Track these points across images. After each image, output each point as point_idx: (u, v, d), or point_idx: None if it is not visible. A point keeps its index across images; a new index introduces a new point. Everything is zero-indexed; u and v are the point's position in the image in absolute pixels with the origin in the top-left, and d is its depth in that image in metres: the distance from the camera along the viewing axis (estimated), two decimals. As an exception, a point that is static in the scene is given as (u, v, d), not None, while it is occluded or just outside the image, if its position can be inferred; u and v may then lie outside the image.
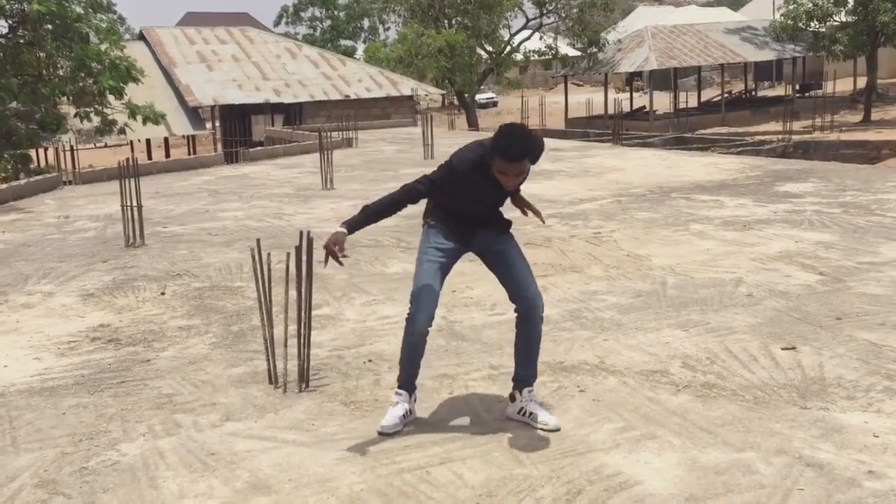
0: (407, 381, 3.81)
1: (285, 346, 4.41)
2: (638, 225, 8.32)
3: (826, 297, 5.58)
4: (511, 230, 3.84)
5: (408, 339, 3.71)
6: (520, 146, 3.42)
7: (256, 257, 4.38)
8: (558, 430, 3.69)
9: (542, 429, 3.70)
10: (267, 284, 4.36)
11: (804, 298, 5.58)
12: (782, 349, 4.62)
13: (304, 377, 4.35)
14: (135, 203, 8.35)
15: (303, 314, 4.30)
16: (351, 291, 6.28)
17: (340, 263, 3.59)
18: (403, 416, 3.77)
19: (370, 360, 4.75)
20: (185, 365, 4.82)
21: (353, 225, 3.59)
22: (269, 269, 4.36)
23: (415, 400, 3.87)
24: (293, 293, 4.40)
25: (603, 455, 3.47)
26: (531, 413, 3.75)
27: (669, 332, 5.00)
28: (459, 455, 3.53)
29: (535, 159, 3.46)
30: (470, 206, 3.75)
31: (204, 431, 3.89)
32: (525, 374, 3.81)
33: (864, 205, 8.86)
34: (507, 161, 3.42)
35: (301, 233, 4.36)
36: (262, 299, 4.40)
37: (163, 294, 6.44)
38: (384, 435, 3.71)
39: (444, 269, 3.72)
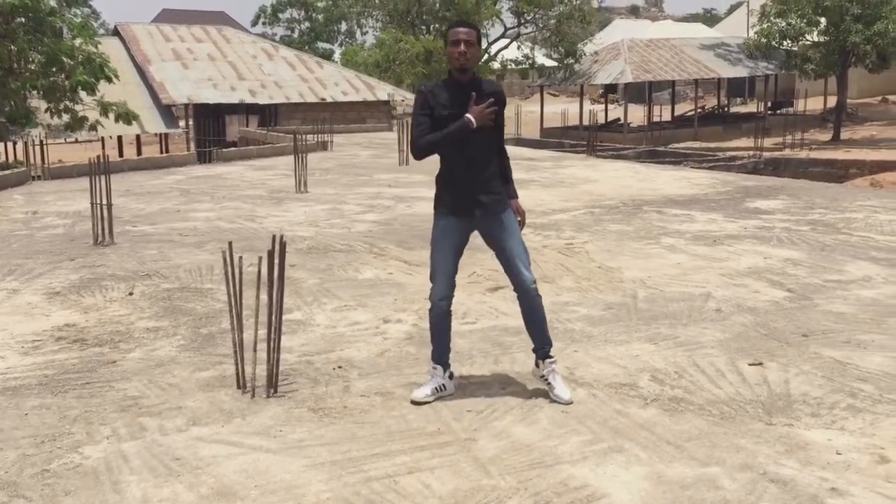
0: (438, 356, 4.25)
1: (254, 350, 4.38)
2: (610, 237, 8.37)
3: (793, 314, 5.65)
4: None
5: (429, 316, 4.26)
6: (458, 20, 4.21)
7: (228, 260, 4.34)
8: (570, 403, 4.10)
9: (554, 400, 4.11)
10: (238, 287, 4.32)
11: (772, 315, 5.65)
12: (749, 365, 4.67)
13: (272, 382, 4.32)
14: (105, 201, 8.26)
15: (273, 318, 4.27)
16: (322, 296, 6.25)
17: (492, 106, 4.00)
18: (436, 389, 4.20)
19: (340, 367, 4.72)
20: (151, 367, 4.76)
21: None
22: (241, 272, 4.33)
23: (450, 376, 4.27)
24: (264, 297, 4.37)
25: (570, 467, 3.48)
26: (550, 383, 4.18)
27: (639, 346, 5.03)
28: (427, 465, 3.52)
29: (478, 30, 4.03)
30: (463, 149, 4.01)
31: (169, 435, 3.84)
32: (539, 344, 4.23)
33: (832, 223, 8.99)
34: (453, 29, 3.99)
35: (273, 236, 4.34)
36: (233, 302, 4.36)
37: (131, 294, 6.36)
38: (415, 404, 4.12)
39: (456, 250, 4.15)
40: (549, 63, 40.22)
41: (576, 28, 35.39)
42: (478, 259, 6.62)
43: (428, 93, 4.05)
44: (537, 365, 4.29)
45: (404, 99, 32.02)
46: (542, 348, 4.23)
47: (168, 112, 24.33)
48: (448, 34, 4.01)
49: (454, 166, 4.08)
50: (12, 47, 16.70)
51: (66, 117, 17.80)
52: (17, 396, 4.32)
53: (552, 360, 4.23)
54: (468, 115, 3.95)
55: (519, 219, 4.26)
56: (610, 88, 44.55)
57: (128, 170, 15.34)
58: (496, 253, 4.20)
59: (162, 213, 10.33)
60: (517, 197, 4.34)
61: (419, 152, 4.06)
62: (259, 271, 4.33)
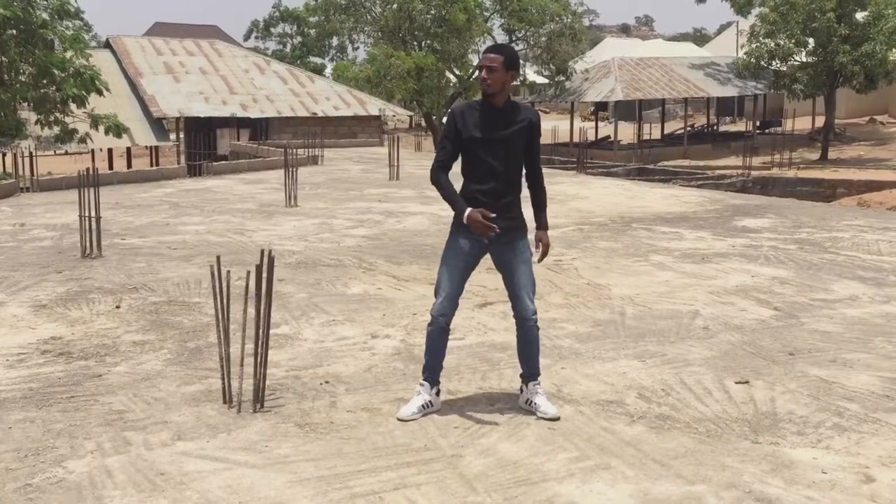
0: (429, 373, 4.21)
1: (241, 364, 4.36)
2: (599, 254, 8.39)
3: (780, 333, 5.68)
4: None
5: (428, 331, 4.21)
6: (494, 45, 4.24)
7: (216, 273, 4.33)
8: (557, 419, 4.12)
9: (541, 417, 4.12)
10: (225, 301, 4.31)
11: (758, 333, 5.67)
12: (736, 383, 4.69)
13: (259, 397, 4.30)
14: (93, 213, 8.23)
15: (260, 333, 4.26)
16: (310, 311, 6.24)
17: (495, 230, 3.97)
18: (423, 406, 4.17)
19: (327, 382, 4.71)
20: (137, 381, 4.74)
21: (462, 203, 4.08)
22: (229, 286, 4.32)
23: (437, 393, 4.25)
24: (252, 311, 4.36)
25: (557, 485, 3.48)
26: (534, 403, 4.20)
27: (626, 363, 5.04)
28: (413, 481, 3.51)
29: (507, 56, 4.00)
30: (487, 172, 4.04)
31: (154, 450, 3.82)
32: (527, 371, 4.28)
33: (819, 242, 9.05)
34: (484, 54, 4.06)
35: (262, 250, 4.34)
36: (220, 316, 4.35)
37: (118, 307, 6.33)
38: (402, 421, 4.09)
39: (465, 270, 4.16)
40: (540, 80, 40.42)
41: (567, 46, 35.54)
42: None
43: (458, 114, 4.04)
44: (521, 390, 4.34)
45: (395, 114, 32.06)
46: (529, 374, 4.28)
47: (159, 125, 24.31)
48: (482, 53, 4.13)
49: (476, 188, 4.07)
50: (3, 58, 16.69)
51: (56, 129, 17.76)
52: (1, 410, 4.29)
53: (537, 382, 4.28)
54: (468, 211, 3.97)
55: (542, 250, 4.23)
56: (600, 106, 44.75)
57: (117, 182, 15.30)
58: (504, 279, 4.21)
59: (151, 226, 10.31)
60: (548, 227, 4.32)
61: (432, 181, 4.13)
62: (247, 285, 4.32)
